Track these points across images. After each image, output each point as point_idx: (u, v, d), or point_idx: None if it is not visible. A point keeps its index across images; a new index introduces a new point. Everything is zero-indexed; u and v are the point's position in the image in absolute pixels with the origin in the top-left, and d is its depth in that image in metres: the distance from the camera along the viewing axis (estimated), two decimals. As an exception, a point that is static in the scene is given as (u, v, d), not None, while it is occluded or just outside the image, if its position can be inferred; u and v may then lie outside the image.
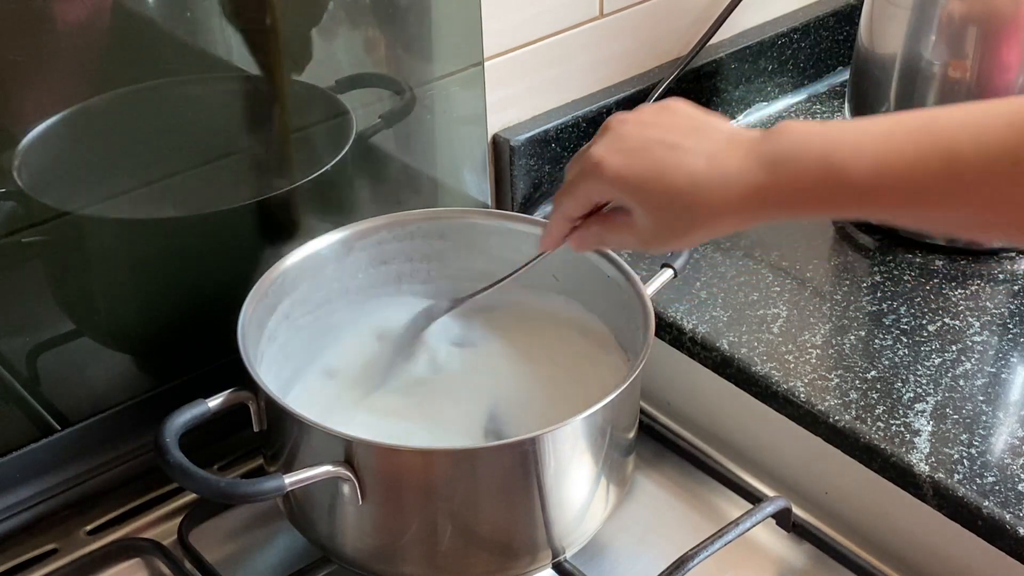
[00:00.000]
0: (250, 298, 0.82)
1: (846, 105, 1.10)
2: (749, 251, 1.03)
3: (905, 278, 1.00)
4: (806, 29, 1.23)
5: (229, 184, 0.91)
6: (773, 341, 0.93)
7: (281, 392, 0.83)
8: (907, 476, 0.81)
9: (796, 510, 0.87)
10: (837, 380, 0.89)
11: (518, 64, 1.04)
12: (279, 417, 0.77)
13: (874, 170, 0.61)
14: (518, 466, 0.75)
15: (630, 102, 1.11)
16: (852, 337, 0.93)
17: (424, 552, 0.77)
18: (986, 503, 0.78)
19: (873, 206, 0.63)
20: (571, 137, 1.08)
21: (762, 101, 1.23)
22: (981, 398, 0.87)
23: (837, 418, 0.85)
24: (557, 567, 0.80)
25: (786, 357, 0.91)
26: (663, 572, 0.79)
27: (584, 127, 1.08)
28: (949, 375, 0.89)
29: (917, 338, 0.93)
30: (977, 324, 0.94)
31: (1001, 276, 1.00)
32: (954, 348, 0.92)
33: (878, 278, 1.00)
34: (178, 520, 0.87)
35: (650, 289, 0.84)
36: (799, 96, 1.25)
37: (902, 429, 0.84)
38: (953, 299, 0.97)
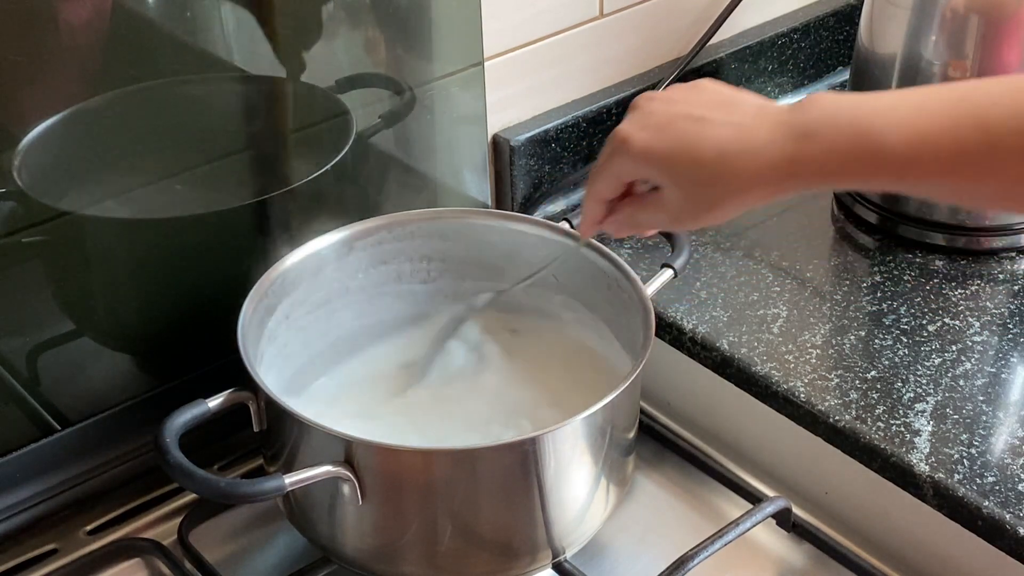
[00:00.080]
0: (250, 298, 0.82)
1: (846, 105, 1.10)
2: (749, 251, 1.03)
3: (905, 278, 1.00)
4: (806, 29, 1.23)
5: (229, 184, 0.91)
6: (773, 341, 0.93)
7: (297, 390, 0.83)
8: (907, 476, 0.81)
9: (796, 510, 0.87)
10: (837, 380, 0.89)
11: (518, 64, 1.04)
12: (279, 417, 0.77)
13: (909, 140, 0.60)
14: (518, 466, 0.75)
15: (630, 102, 1.10)
16: (852, 337, 0.93)
17: (424, 552, 0.77)
18: (986, 503, 0.78)
19: (907, 177, 0.62)
20: (571, 137, 1.08)
21: (762, 101, 1.23)
22: (981, 398, 0.87)
23: (837, 418, 0.85)
24: (557, 567, 0.80)
25: (786, 357, 0.91)
26: (663, 572, 0.79)
27: (584, 127, 1.08)
28: (949, 375, 0.89)
29: (917, 338, 0.93)
30: (977, 324, 0.94)
31: (1001, 276, 1.00)
32: (954, 348, 0.92)
33: (878, 278, 1.00)
34: (178, 520, 0.87)
35: (650, 289, 0.84)
36: (799, 96, 1.25)
37: (902, 429, 0.84)
38: (953, 299, 0.97)
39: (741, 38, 1.19)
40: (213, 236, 0.90)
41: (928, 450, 0.82)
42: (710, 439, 0.96)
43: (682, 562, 0.79)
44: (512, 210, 1.07)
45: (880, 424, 0.84)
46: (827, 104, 0.63)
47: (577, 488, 0.78)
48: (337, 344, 0.91)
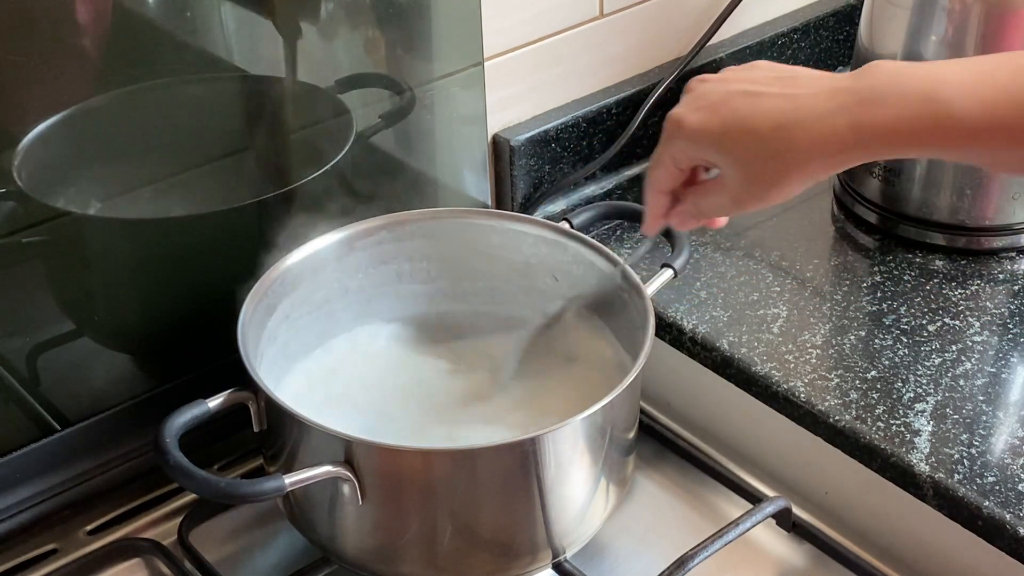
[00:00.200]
0: (250, 298, 0.82)
1: (846, 105, 1.10)
2: (749, 251, 1.03)
3: (905, 278, 1.00)
4: (806, 29, 1.23)
5: (229, 184, 0.91)
6: (773, 341, 0.93)
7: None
8: (907, 476, 0.81)
9: (796, 510, 0.87)
10: (837, 380, 0.89)
11: (518, 64, 1.04)
12: (279, 417, 0.77)
13: (979, 108, 0.59)
14: (518, 466, 0.75)
15: (630, 102, 1.11)
16: (852, 337, 0.93)
17: (424, 552, 0.77)
18: (986, 503, 0.78)
19: (974, 146, 0.61)
20: (571, 137, 1.08)
21: (762, 101, 1.23)
22: (981, 398, 0.87)
23: (837, 418, 0.85)
24: (557, 567, 0.80)
25: (786, 357, 0.91)
26: (663, 572, 0.79)
27: (584, 127, 1.08)
28: (949, 375, 0.89)
29: (917, 338, 0.93)
30: (977, 324, 0.94)
31: (1001, 276, 1.00)
32: (954, 348, 0.92)
33: (878, 278, 1.00)
34: (178, 520, 0.86)
35: (650, 289, 0.84)
36: (799, 96, 1.25)
37: (902, 429, 0.84)
38: (953, 299, 0.97)
39: (741, 38, 1.19)
40: (213, 236, 0.90)
41: (928, 450, 0.82)
42: (710, 439, 0.96)
43: (682, 562, 0.79)
44: (512, 210, 1.07)
45: (880, 424, 0.84)
46: (893, 70, 0.61)
47: (577, 488, 0.78)
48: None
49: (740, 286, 0.99)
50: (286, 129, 0.93)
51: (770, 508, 0.85)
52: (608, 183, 1.13)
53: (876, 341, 0.92)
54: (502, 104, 1.04)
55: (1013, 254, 1.02)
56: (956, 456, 0.82)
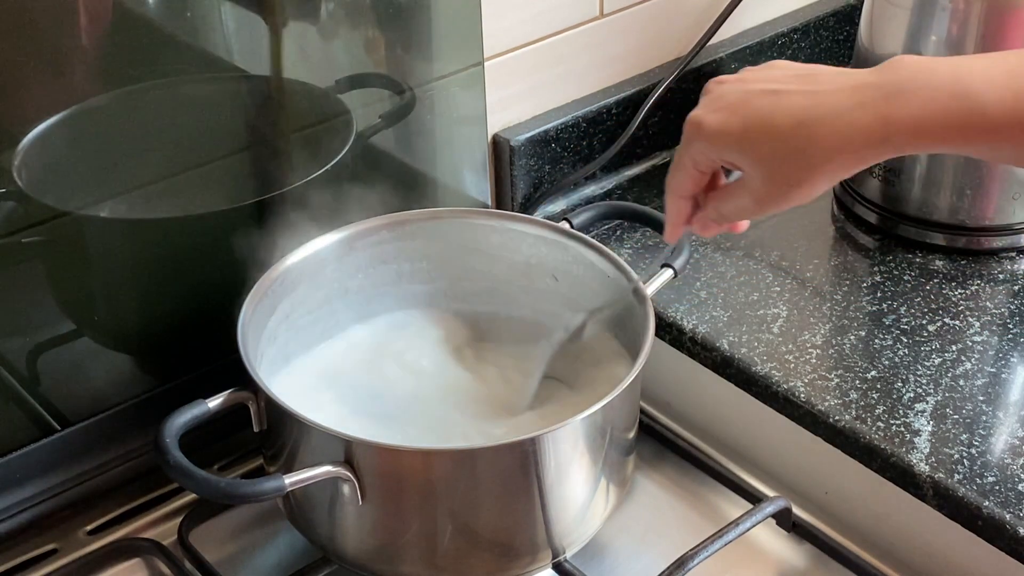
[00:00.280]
0: (250, 298, 0.82)
1: (846, 105, 1.10)
2: (749, 251, 1.03)
3: (905, 278, 1.00)
4: (806, 29, 1.23)
5: (229, 184, 0.91)
6: (773, 341, 0.93)
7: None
8: (907, 476, 0.81)
9: (796, 510, 0.87)
10: (837, 380, 0.89)
11: (518, 64, 1.04)
12: (279, 417, 0.77)
13: (1013, 100, 0.58)
14: (518, 466, 0.75)
15: (630, 102, 1.11)
16: (852, 337, 0.93)
17: (424, 552, 0.78)
18: (986, 503, 0.78)
19: (1004, 140, 0.59)
20: (571, 137, 1.08)
21: (762, 101, 1.23)
22: (981, 398, 0.87)
23: (837, 418, 0.85)
24: (557, 567, 0.80)
25: (786, 357, 0.91)
26: (663, 572, 0.79)
27: (584, 127, 1.08)
28: (949, 375, 0.89)
29: (917, 338, 0.93)
30: (977, 324, 0.94)
31: (1001, 276, 1.00)
32: (954, 348, 0.92)
33: (878, 278, 1.00)
34: (178, 520, 0.87)
35: (650, 289, 0.84)
36: (799, 96, 1.25)
37: (902, 429, 0.84)
38: (953, 299, 0.97)
39: (741, 38, 1.19)
40: (213, 236, 0.90)
41: (928, 450, 0.82)
42: (710, 439, 0.96)
43: (682, 562, 0.79)
44: (512, 210, 1.07)
45: (880, 424, 0.84)
46: (918, 65, 0.60)
47: (577, 488, 0.78)
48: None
49: (740, 286, 0.99)
50: (286, 129, 0.93)
51: (770, 508, 0.85)
52: (608, 183, 1.13)
53: (876, 341, 0.92)
54: (502, 104, 1.04)
55: (1013, 254, 1.02)
56: (956, 456, 0.82)
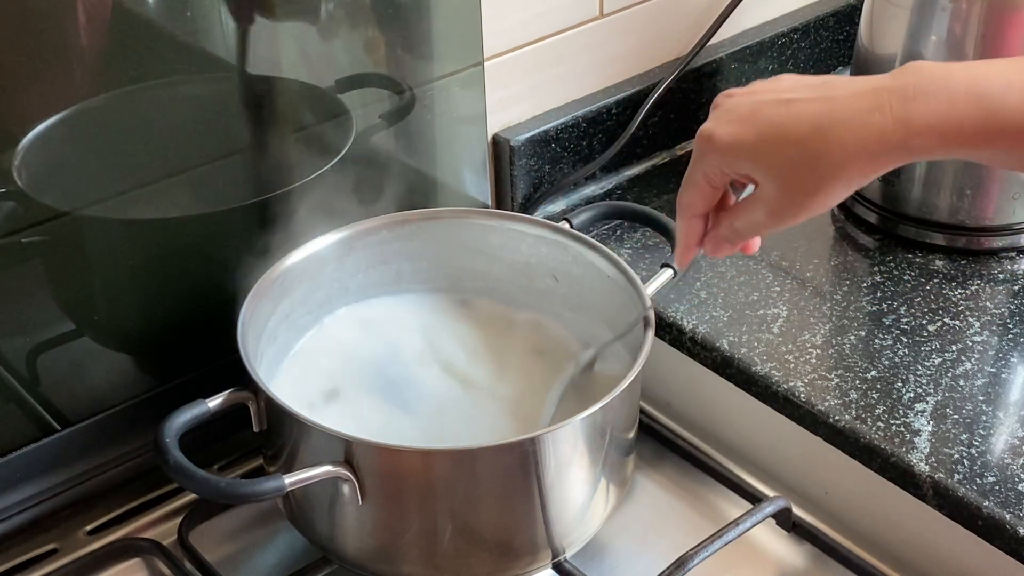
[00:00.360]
0: (250, 298, 0.82)
1: (846, 105, 1.10)
2: (749, 251, 1.03)
3: (905, 278, 1.00)
4: (806, 29, 1.23)
5: (229, 184, 0.91)
6: (773, 341, 0.93)
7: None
8: (907, 476, 0.81)
9: (796, 510, 0.87)
10: (837, 380, 0.89)
11: (518, 64, 1.04)
12: (279, 417, 0.77)
13: None
14: (518, 466, 0.75)
15: (630, 102, 1.11)
16: (852, 337, 0.93)
17: (424, 552, 0.78)
18: (986, 503, 0.78)
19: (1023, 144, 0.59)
20: (571, 137, 1.08)
21: (762, 101, 1.23)
22: (981, 398, 0.87)
23: (837, 418, 0.85)
24: (557, 567, 0.80)
25: (786, 357, 0.91)
26: (663, 572, 0.79)
27: (584, 127, 1.08)
28: (949, 375, 0.89)
29: (917, 338, 0.93)
30: (977, 324, 0.94)
31: (1001, 276, 1.00)
32: (954, 348, 0.92)
33: (878, 278, 1.00)
34: (178, 520, 0.86)
35: (650, 289, 0.84)
36: (799, 96, 1.25)
37: (902, 429, 0.84)
38: (953, 299, 0.97)
39: (741, 38, 1.19)
40: (213, 236, 0.90)
41: (928, 450, 0.82)
42: (710, 439, 0.96)
43: (682, 562, 0.79)
44: (512, 210, 1.07)
45: (880, 424, 0.84)
46: (935, 68, 0.59)
47: (577, 488, 0.78)
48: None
49: (740, 286, 0.99)
50: (286, 129, 0.93)
51: (770, 508, 0.85)
52: (608, 183, 1.13)
53: (876, 341, 0.92)
54: (502, 104, 1.04)
55: (1013, 254, 1.02)
56: (956, 456, 0.82)
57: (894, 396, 0.87)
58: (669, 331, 0.95)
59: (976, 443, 0.83)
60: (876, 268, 1.01)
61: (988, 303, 0.97)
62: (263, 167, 0.93)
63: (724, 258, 1.01)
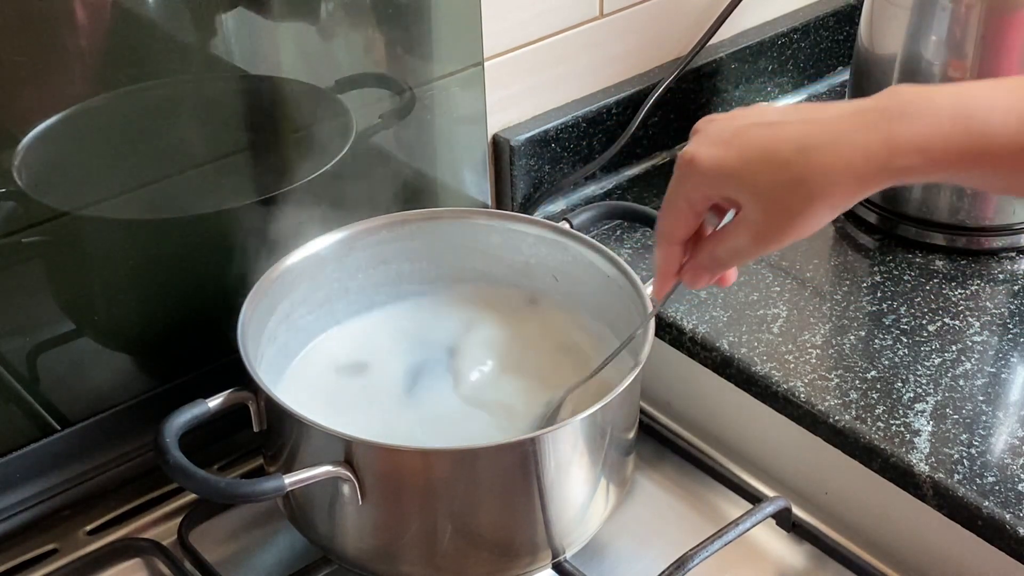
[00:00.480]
0: (250, 298, 0.82)
1: (846, 105, 1.10)
2: (749, 251, 1.03)
3: (905, 278, 1.00)
4: (806, 29, 1.23)
5: (229, 184, 0.91)
6: (773, 341, 0.93)
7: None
8: (907, 476, 0.81)
9: (796, 510, 0.87)
10: (837, 380, 0.89)
11: (518, 64, 1.04)
12: (279, 417, 0.77)
13: (1016, 124, 0.57)
14: (518, 466, 0.75)
15: (630, 102, 1.11)
16: (852, 337, 0.93)
17: (424, 552, 0.77)
18: (986, 503, 0.78)
19: (1011, 164, 0.58)
20: (571, 137, 1.08)
21: (762, 101, 1.23)
22: (981, 398, 0.87)
23: (837, 418, 0.85)
24: (557, 567, 0.80)
25: (786, 357, 0.91)
26: (663, 572, 0.79)
27: (584, 127, 1.08)
28: (949, 375, 0.89)
29: (917, 338, 0.93)
30: (977, 324, 0.94)
31: (1001, 276, 1.00)
32: (954, 348, 0.92)
33: (878, 278, 1.00)
34: (178, 520, 0.87)
35: (650, 289, 0.84)
36: (799, 96, 1.25)
37: (902, 429, 0.84)
38: (953, 299, 0.97)
39: (741, 38, 1.19)
40: (213, 236, 0.90)
41: (928, 450, 0.82)
42: (710, 439, 0.96)
43: (682, 562, 0.79)
44: (512, 210, 1.07)
45: (880, 424, 0.84)
46: (919, 90, 0.59)
47: (577, 488, 0.78)
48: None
49: (740, 286, 0.99)
50: (286, 129, 0.93)
51: (770, 508, 0.85)
52: (608, 183, 1.13)
53: (876, 341, 0.92)
54: (502, 104, 1.04)
55: (1013, 254, 1.02)
56: (956, 456, 0.82)
57: (894, 396, 0.87)
58: (669, 331, 0.95)
59: (976, 443, 0.83)
60: (876, 268, 1.01)
61: (988, 303, 0.97)
62: (263, 167, 0.93)
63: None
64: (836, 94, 1.25)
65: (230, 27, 0.86)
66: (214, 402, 0.76)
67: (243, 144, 0.91)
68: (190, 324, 0.90)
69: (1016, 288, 0.99)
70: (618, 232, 1.06)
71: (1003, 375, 0.89)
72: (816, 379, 0.89)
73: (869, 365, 0.90)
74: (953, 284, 0.99)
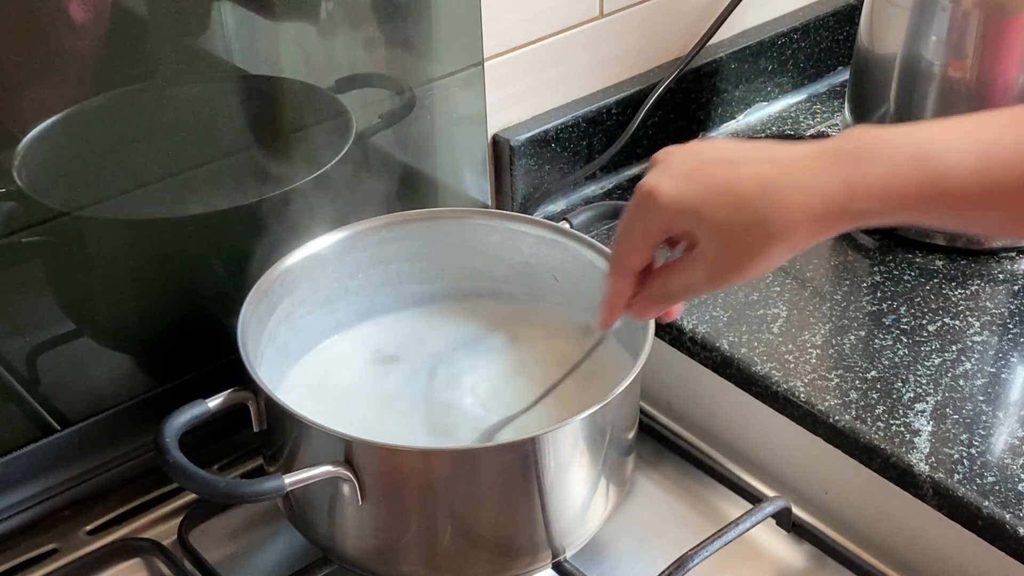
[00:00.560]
0: (250, 298, 0.82)
1: (846, 105, 1.10)
2: (749, 251, 1.03)
3: (905, 278, 1.00)
4: (806, 29, 1.23)
5: (229, 184, 0.91)
6: (773, 341, 0.93)
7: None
8: (907, 476, 0.81)
9: (796, 510, 0.87)
10: (837, 380, 0.89)
11: (518, 64, 1.04)
12: (279, 417, 0.77)
13: (973, 163, 0.57)
14: (518, 466, 0.75)
15: (630, 102, 1.11)
16: (852, 337, 0.93)
17: (424, 552, 0.78)
18: (986, 503, 0.78)
19: (969, 205, 0.58)
20: (571, 137, 1.08)
21: (762, 101, 1.23)
22: (981, 398, 0.87)
23: (837, 418, 0.85)
24: (557, 567, 0.80)
25: (786, 357, 0.91)
26: (663, 572, 0.79)
27: (584, 127, 1.08)
28: (949, 375, 0.89)
29: (917, 338, 0.93)
30: (977, 324, 0.94)
31: (1001, 276, 1.00)
32: (954, 348, 0.92)
33: (878, 278, 1.00)
34: (178, 520, 0.87)
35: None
36: (799, 96, 1.25)
37: (902, 429, 0.84)
38: (953, 299, 0.97)
39: (741, 38, 1.19)
40: (213, 236, 0.90)
41: (928, 450, 0.82)
42: (710, 439, 0.96)
43: (682, 562, 0.79)
44: (512, 210, 1.07)
45: (880, 424, 0.84)
46: (876, 132, 0.59)
47: (577, 488, 0.78)
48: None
49: (740, 286, 0.99)
50: (286, 129, 0.93)
51: (770, 508, 0.85)
52: (608, 183, 1.13)
53: (876, 341, 0.92)
54: (502, 104, 1.04)
55: (1013, 254, 1.02)
56: (956, 456, 0.82)
57: (894, 396, 0.87)
58: (669, 331, 0.95)
59: (976, 443, 0.83)
60: (876, 268, 1.01)
61: (988, 303, 0.97)
62: (263, 167, 0.93)
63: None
64: (836, 94, 1.25)
65: (230, 27, 0.86)
66: (214, 402, 0.76)
67: (243, 144, 0.91)
68: (190, 324, 0.90)
69: (1016, 288, 0.99)
70: (618, 232, 1.06)
71: (1003, 375, 0.89)
72: (816, 379, 0.89)
73: (869, 365, 0.90)
74: (953, 284, 0.99)
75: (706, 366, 0.94)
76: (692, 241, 0.63)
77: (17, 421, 0.86)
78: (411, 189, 1.00)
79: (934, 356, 0.91)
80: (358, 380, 0.88)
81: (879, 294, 0.98)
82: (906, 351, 0.91)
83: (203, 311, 0.89)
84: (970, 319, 0.95)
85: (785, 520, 0.86)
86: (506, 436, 0.81)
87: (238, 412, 0.78)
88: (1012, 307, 0.97)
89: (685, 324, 0.95)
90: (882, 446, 0.83)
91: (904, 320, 0.95)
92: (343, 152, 0.93)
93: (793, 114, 1.23)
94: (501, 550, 0.78)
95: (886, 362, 0.90)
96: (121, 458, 0.89)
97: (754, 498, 0.87)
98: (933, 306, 0.96)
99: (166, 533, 0.87)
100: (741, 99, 1.21)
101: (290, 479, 0.72)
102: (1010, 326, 0.94)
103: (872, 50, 1.03)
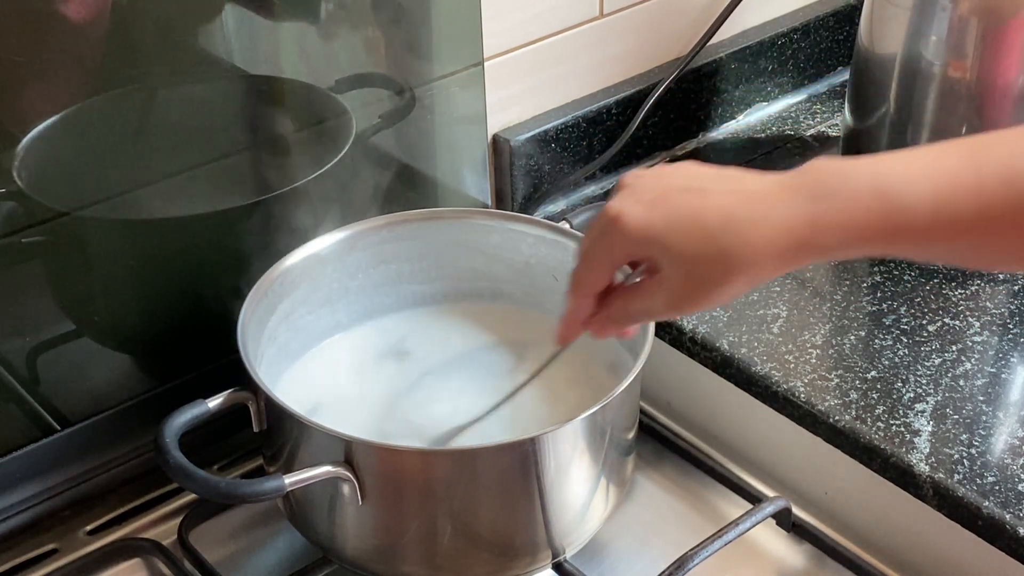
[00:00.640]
0: (250, 298, 0.82)
1: (846, 105, 1.10)
2: (749, 251, 1.03)
3: (905, 278, 1.00)
4: (806, 29, 1.23)
5: (229, 184, 0.91)
6: (773, 341, 0.93)
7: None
8: (907, 476, 0.81)
9: (796, 510, 0.87)
10: (837, 380, 0.89)
11: (518, 64, 1.04)
12: (279, 417, 0.77)
13: (932, 195, 0.57)
14: (518, 466, 0.75)
15: (630, 102, 1.11)
16: (852, 337, 0.93)
17: (424, 552, 0.78)
18: (986, 503, 0.78)
19: (930, 237, 0.58)
20: (571, 137, 1.08)
21: (762, 101, 1.23)
22: (981, 398, 0.87)
23: (837, 418, 0.85)
24: (557, 567, 0.81)
25: (786, 357, 0.91)
26: (663, 572, 0.79)
27: (584, 127, 1.08)
28: (949, 375, 0.89)
29: (917, 338, 0.93)
30: (977, 324, 0.94)
31: (1001, 276, 1.00)
32: (954, 348, 0.92)
33: (878, 278, 1.00)
34: (178, 520, 0.87)
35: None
36: (799, 96, 1.25)
37: (902, 429, 0.84)
38: (953, 299, 0.97)
39: (741, 38, 1.19)
40: (213, 236, 0.90)
41: (928, 450, 0.82)
42: (710, 439, 0.96)
43: (682, 562, 0.79)
44: (512, 210, 1.07)
45: (880, 424, 0.84)
46: (837, 166, 0.59)
47: (577, 488, 0.78)
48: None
49: (740, 286, 0.99)
50: (286, 129, 0.93)
51: (770, 508, 0.85)
52: (608, 183, 1.13)
53: (876, 341, 0.92)
54: (502, 104, 1.04)
55: (1013, 254, 1.02)
56: (956, 456, 0.82)
57: (894, 396, 0.87)
58: (669, 331, 0.95)
59: (976, 443, 0.83)
60: (876, 268, 1.01)
61: (988, 303, 0.97)
62: (263, 167, 0.93)
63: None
64: (836, 94, 1.25)
65: (230, 27, 0.86)
66: (214, 402, 0.76)
67: (243, 144, 0.91)
68: (190, 324, 0.90)
69: (1016, 288, 0.99)
70: (618, 232, 1.06)
71: (1003, 375, 0.89)
72: (816, 379, 0.89)
73: (869, 365, 0.90)
74: (953, 284, 0.99)
75: (706, 366, 0.94)
76: (654, 266, 0.63)
77: (17, 421, 0.86)
78: (411, 189, 1.00)
79: (934, 356, 0.91)
80: (358, 380, 0.88)
81: (879, 294, 0.98)
82: (906, 351, 0.91)
83: (203, 311, 0.89)
84: (970, 319, 0.95)
85: (785, 520, 0.86)
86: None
87: (238, 412, 0.78)
88: (1012, 307, 0.97)
89: (685, 324, 0.95)
90: (882, 446, 0.83)
91: (904, 320, 0.95)
92: (343, 152, 0.93)
93: (793, 114, 1.23)
94: (501, 550, 0.78)
95: (886, 362, 0.90)
96: (121, 458, 0.89)
97: (754, 498, 0.87)
98: (933, 306, 0.96)
99: (166, 533, 0.87)
100: (741, 99, 1.21)
101: (290, 479, 0.72)
102: (1010, 326, 0.94)
103: (872, 50, 1.03)
